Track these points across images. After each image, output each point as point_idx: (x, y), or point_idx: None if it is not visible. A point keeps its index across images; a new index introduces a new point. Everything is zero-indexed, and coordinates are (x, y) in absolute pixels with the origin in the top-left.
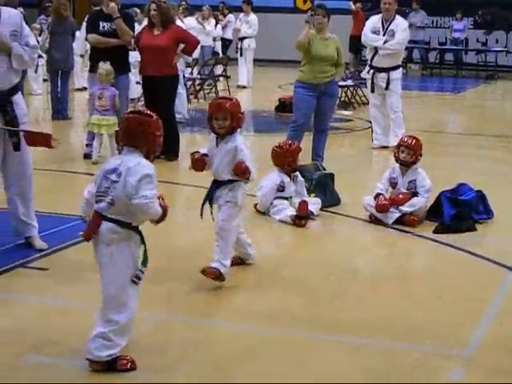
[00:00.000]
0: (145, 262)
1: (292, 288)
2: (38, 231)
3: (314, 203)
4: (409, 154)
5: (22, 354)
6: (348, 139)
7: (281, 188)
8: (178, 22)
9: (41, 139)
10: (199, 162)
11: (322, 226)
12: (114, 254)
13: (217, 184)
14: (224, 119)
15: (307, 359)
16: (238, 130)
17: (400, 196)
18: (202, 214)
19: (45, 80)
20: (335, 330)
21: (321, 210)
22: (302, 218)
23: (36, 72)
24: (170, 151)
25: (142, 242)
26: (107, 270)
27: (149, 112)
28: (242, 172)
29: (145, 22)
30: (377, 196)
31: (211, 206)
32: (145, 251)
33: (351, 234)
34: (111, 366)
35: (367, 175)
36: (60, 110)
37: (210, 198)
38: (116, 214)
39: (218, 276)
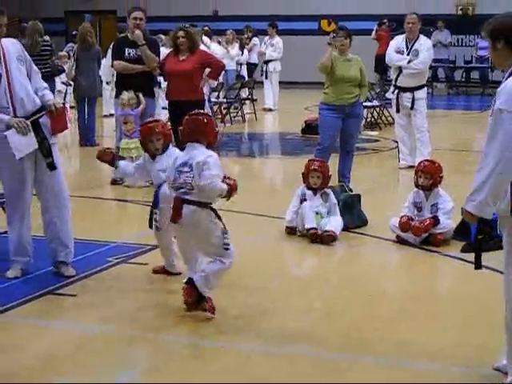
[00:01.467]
0: (226, 230)
1: (319, 309)
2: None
3: (336, 224)
4: (426, 178)
5: (50, 379)
6: (375, 160)
7: (303, 199)
8: (202, 47)
9: (62, 122)
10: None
11: (348, 246)
12: (200, 228)
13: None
14: (158, 140)
15: (338, 380)
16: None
17: (422, 225)
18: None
19: (72, 107)
20: (364, 351)
21: (347, 231)
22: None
23: (65, 99)
24: None
25: (219, 217)
26: (198, 241)
27: (206, 112)
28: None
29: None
30: (402, 217)
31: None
32: (222, 223)
33: (378, 255)
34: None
35: (394, 196)
36: (87, 136)
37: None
38: (196, 197)
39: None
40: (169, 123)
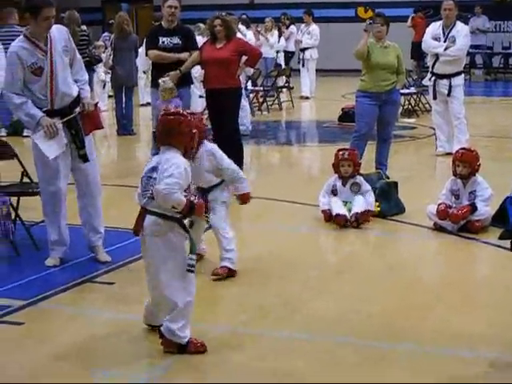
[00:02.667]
0: (193, 250)
1: (356, 296)
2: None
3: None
4: (464, 166)
5: (88, 368)
6: (412, 147)
7: (334, 191)
8: (238, 35)
9: (94, 121)
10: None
11: (385, 234)
12: (160, 245)
13: (204, 190)
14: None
15: (377, 369)
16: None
17: (460, 212)
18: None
19: (110, 96)
20: (401, 339)
21: (384, 218)
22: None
23: (104, 88)
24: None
25: (186, 231)
26: (154, 261)
27: (182, 112)
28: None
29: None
30: (440, 204)
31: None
32: (190, 239)
33: (415, 242)
34: (183, 348)
35: (432, 183)
36: (125, 125)
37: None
38: (157, 207)
39: (228, 273)
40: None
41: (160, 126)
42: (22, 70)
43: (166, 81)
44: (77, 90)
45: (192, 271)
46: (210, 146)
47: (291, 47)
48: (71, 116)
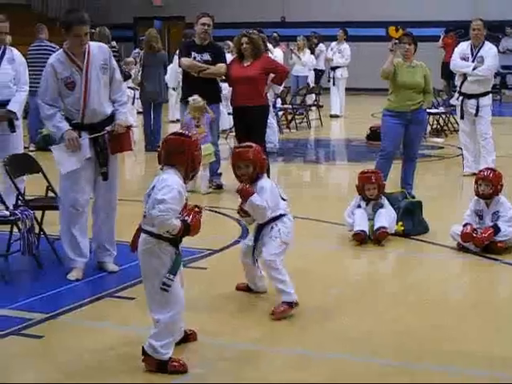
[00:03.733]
0: (173, 270)
1: (376, 315)
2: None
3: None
4: (487, 186)
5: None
6: (439, 167)
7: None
8: (268, 53)
9: (122, 143)
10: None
11: (409, 253)
12: (148, 261)
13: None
14: (246, 166)
15: None
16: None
17: (483, 235)
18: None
19: (139, 112)
20: (421, 359)
21: (408, 237)
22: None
23: (133, 104)
24: None
25: (177, 252)
26: (144, 277)
27: (187, 133)
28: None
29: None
30: (465, 225)
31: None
32: (176, 260)
33: (438, 262)
34: (162, 366)
35: (457, 203)
36: (153, 141)
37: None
38: (149, 225)
39: (290, 309)
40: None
41: (163, 146)
42: (56, 82)
43: (196, 99)
44: (110, 110)
45: (166, 290)
46: (262, 183)
47: (321, 65)
48: (99, 134)
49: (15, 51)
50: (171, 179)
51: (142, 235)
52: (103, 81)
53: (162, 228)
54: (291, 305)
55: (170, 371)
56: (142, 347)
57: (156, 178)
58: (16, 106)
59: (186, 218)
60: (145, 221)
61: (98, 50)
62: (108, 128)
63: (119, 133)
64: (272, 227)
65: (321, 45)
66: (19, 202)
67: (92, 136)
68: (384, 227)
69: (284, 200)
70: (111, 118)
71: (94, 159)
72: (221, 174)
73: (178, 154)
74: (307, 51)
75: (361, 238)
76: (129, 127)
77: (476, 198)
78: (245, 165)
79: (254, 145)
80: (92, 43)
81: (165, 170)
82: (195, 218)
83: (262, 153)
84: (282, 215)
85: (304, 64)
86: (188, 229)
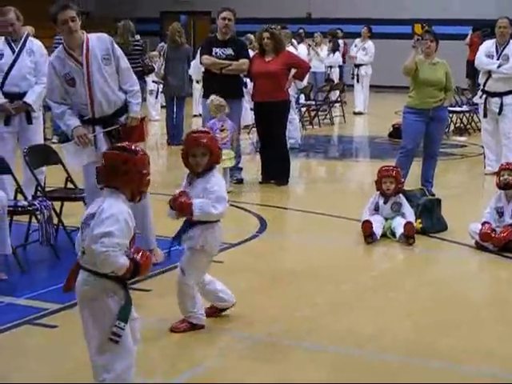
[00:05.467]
0: (123, 316)
1: (391, 312)
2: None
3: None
4: (509, 175)
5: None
6: (461, 165)
7: (376, 208)
8: (290, 48)
9: (134, 135)
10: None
11: (426, 250)
12: (90, 307)
13: (189, 223)
14: (202, 155)
15: None
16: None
17: (502, 235)
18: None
19: (163, 106)
20: (435, 357)
21: (426, 235)
22: (409, 237)
23: (156, 98)
24: (280, 176)
25: (125, 291)
26: (86, 324)
27: (133, 147)
28: (179, 208)
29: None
30: (484, 224)
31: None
32: (125, 306)
33: (456, 260)
34: None
35: (477, 201)
36: (175, 135)
37: (179, 237)
38: (90, 263)
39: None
40: (218, 139)
41: (103, 163)
42: (58, 79)
43: (215, 98)
44: (122, 100)
45: (116, 341)
46: (214, 176)
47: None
48: (112, 128)
49: (36, 42)
50: (116, 207)
51: (82, 274)
52: (108, 72)
53: (105, 267)
54: (194, 326)
55: None
56: None
57: (95, 204)
58: (32, 97)
59: (135, 256)
60: (84, 257)
61: (97, 41)
62: (122, 119)
63: (133, 125)
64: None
65: (339, 41)
66: (38, 192)
67: (105, 130)
68: (410, 222)
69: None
70: (125, 108)
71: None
72: (241, 168)
73: (121, 175)
74: (325, 47)
75: (368, 228)
76: (142, 119)
77: (497, 194)
78: (201, 152)
79: (210, 132)
80: (91, 35)
81: (106, 193)
82: (145, 257)
83: (217, 142)
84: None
85: (322, 60)
86: (137, 269)
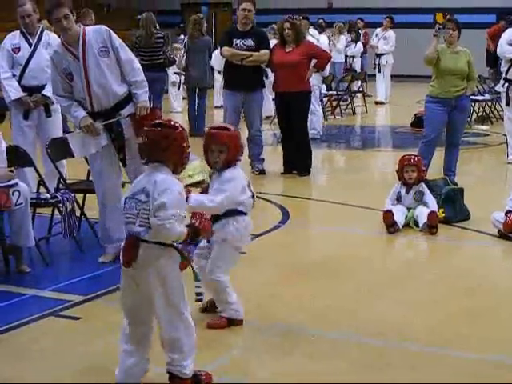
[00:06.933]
0: (198, 277)
1: (413, 301)
2: None
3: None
4: None
5: None
6: (484, 154)
7: (398, 198)
8: (309, 38)
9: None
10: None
11: (450, 240)
12: (163, 277)
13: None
14: (220, 152)
15: (431, 373)
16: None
17: None
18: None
19: (184, 98)
20: (456, 346)
21: (449, 224)
22: (432, 227)
23: (178, 89)
24: (302, 166)
25: (184, 258)
26: (160, 296)
27: (172, 123)
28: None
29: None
30: (507, 213)
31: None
32: (191, 267)
33: (478, 249)
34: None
35: (500, 190)
36: (197, 126)
37: None
38: (153, 236)
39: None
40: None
41: (150, 139)
42: (59, 74)
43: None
44: (123, 92)
45: (200, 300)
46: (231, 173)
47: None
48: (111, 120)
49: (52, 35)
50: (168, 181)
51: (147, 246)
52: (106, 65)
53: (165, 238)
54: (232, 321)
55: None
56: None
57: (143, 180)
58: (51, 89)
59: (192, 222)
60: (148, 233)
61: (93, 34)
62: (124, 112)
63: (143, 115)
64: (224, 225)
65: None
66: (60, 185)
67: (105, 123)
68: (434, 211)
69: (252, 197)
70: (126, 101)
71: (110, 148)
72: (263, 159)
73: (166, 149)
74: (342, 37)
75: (390, 217)
76: (155, 108)
77: None
78: (218, 149)
79: (231, 128)
80: (88, 28)
81: (149, 168)
82: (203, 220)
83: (239, 138)
84: (239, 212)
85: (339, 51)
86: (197, 233)
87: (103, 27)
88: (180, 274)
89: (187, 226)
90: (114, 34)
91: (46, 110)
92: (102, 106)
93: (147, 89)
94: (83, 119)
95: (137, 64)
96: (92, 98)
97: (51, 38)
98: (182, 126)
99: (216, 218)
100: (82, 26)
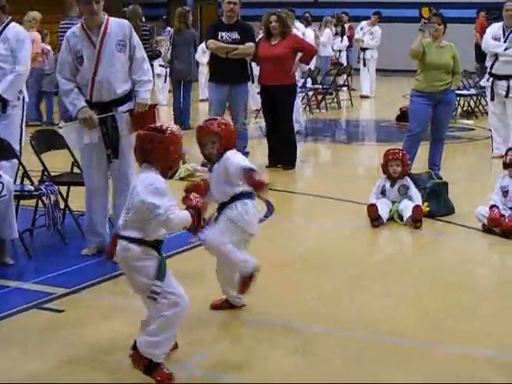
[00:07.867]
0: (160, 276)
1: (396, 295)
2: None
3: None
4: None
5: (119, 358)
6: (469, 149)
7: (383, 192)
8: (295, 32)
9: (146, 121)
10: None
11: (433, 234)
12: (131, 271)
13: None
14: (212, 143)
15: (414, 367)
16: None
17: (510, 223)
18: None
19: (170, 91)
20: (440, 340)
21: (433, 218)
22: (416, 221)
23: (165, 82)
24: (286, 160)
25: (159, 254)
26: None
27: (164, 127)
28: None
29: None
30: (491, 207)
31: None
32: (160, 265)
33: (462, 243)
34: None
35: (484, 185)
36: (182, 120)
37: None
38: (130, 230)
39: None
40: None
41: (139, 143)
42: (70, 55)
43: None
44: (123, 90)
45: (154, 299)
46: (228, 155)
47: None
48: (107, 115)
49: (13, 29)
50: (151, 177)
51: (121, 243)
52: (119, 59)
53: (174, 228)
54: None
55: (154, 378)
56: (134, 341)
57: (135, 180)
58: (4, 86)
59: (189, 203)
60: (123, 227)
61: (116, 25)
62: (121, 108)
63: (142, 112)
64: (232, 208)
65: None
66: (44, 177)
67: (100, 116)
68: (419, 205)
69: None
70: (124, 99)
71: (101, 144)
72: (248, 152)
73: (152, 152)
74: (326, 31)
75: (374, 211)
76: (154, 105)
77: (502, 174)
78: (210, 140)
79: (219, 118)
80: (112, 19)
81: (142, 168)
82: (197, 199)
83: (229, 125)
84: (245, 194)
85: (324, 44)
86: (198, 210)
87: (126, 22)
88: (147, 272)
89: (186, 209)
90: (134, 32)
91: (3, 106)
92: (100, 98)
93: (150, 88)
94: (82, 110)
95: (148, 65)
96: (94, 87)
97: (11, 32)
98: (173, 132)
99: (223, 204)
100: (106, 15)
